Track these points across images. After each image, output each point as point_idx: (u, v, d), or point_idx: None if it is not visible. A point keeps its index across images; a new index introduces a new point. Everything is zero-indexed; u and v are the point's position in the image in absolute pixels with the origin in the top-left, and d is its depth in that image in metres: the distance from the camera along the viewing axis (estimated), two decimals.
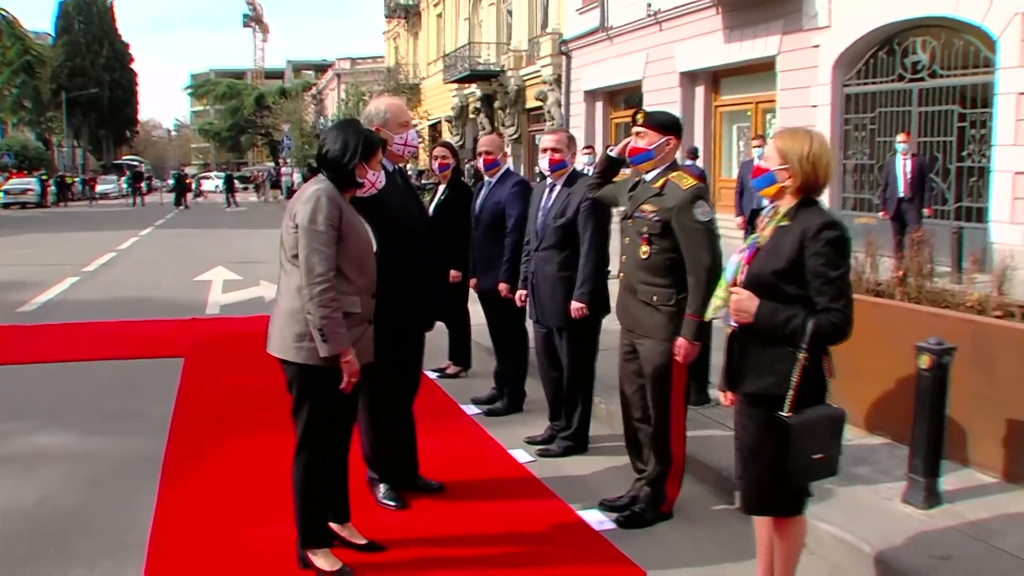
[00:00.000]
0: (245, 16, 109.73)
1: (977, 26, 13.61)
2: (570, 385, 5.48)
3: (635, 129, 4.33)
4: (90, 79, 67.66)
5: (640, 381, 4.48)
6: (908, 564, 3.83)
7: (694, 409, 5.43)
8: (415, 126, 40.36)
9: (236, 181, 50.29)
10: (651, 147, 4.28)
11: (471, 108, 36.30)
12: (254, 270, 15.01)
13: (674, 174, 4.29)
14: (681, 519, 4.59)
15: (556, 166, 5.37)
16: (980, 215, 13.80)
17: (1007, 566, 3.78)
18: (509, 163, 6.64)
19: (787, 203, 3.31)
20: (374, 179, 4.08)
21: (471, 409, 6.54)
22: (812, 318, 3.13)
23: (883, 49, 15.92)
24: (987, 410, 4.80)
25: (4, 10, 63.29)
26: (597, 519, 4.57)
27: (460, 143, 36.72)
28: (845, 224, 3.32)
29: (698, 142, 21.23)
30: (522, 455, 5.57)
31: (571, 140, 5.53)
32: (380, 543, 4.22)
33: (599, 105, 26.59)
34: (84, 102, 65.85)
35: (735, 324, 3.29)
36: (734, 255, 3.40)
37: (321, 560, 3.93)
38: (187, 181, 46.77)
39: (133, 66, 78.01)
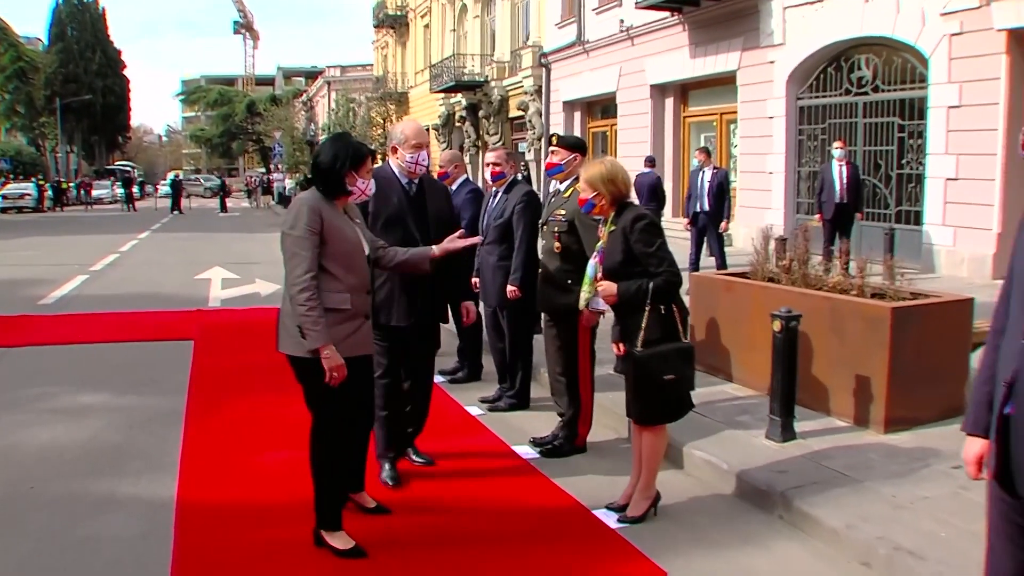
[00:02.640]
0: (235, 23, 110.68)
1: (912, 45, 14.69)
2: (511, 353, 6.80)
3: (551, 148, 5.68)
4: (83, 85, 68.21)
5: (558, 343, 5.80)
6: (755, 476, 5.11)
7: None
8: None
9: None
10: (562, 162, 5.69)
11: (457, 117, 37.30)
12: (250, 270, 16.20)
13: (579, 184, 5.58)
14: (593, 452, 5.88)
15: (496, 177, 6.71)
16: (917, 218, 14.92)
17: (826, 476, 5.05)
18: (467, 174, 7.90)
19: (609, 214, 4.64)
20: (364, 187, 4.44)
21: (439, 378, 7.80)
22: (651, 282, 4.46)
23: (832, 65, 17.05)
24: (840, 369, 6.09)
25: None
26: (527, 452, 5.85)
27: (448, 149, 37.89)
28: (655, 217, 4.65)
29: (668, 151, 22.54)
30: (475, 410, 6.88)
31: (509, 156, 6.88)
32: (386, 506, 4.81)
33: (577, 115, 27.75)
34: (77, 108, 66.39)
35: (606, 307, 4.61)
36: (592, 260, 4.77)
37: (335, 540, 4.31)
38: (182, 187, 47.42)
39: (125, 72, 78.70)
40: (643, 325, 4.45)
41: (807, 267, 6.81)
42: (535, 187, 22.54)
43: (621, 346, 4.80)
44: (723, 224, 13.55)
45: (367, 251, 4.48)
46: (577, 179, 5.62)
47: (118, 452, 5.92)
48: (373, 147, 9.48)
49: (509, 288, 6.40)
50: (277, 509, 4.82)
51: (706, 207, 13.59)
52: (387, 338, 5.17)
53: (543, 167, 17.64)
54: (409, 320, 5.20)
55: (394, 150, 5.24)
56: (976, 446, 2.69)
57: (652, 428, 4.72)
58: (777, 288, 6.72)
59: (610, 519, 4.74)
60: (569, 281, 5.50)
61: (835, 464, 5.25)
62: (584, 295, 4.85)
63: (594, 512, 4.83)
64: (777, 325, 5.56)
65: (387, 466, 5.30)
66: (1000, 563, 2.69)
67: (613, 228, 4.63)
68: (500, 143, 32.16)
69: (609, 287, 4.57)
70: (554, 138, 5.78)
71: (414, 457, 5.57)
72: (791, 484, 4.93)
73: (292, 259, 4.16)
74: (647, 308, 4.45)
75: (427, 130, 33.68)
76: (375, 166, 5.05)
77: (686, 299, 5.04)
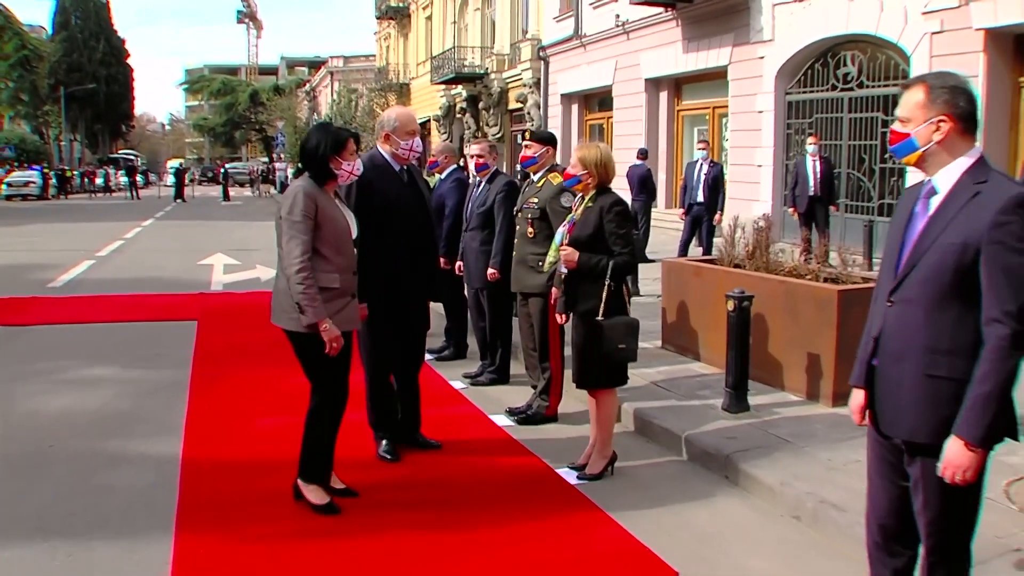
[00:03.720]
0: (239, 12, 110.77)
1: (895, 43, 15.17)
2: (491, 331, 7.33)
3: (524, 143, 6.22)
4: (87, 74, 68.74)
5: (531, 321, 6.35)
6: (705, 441, 5.63)
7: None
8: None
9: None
10: (535, 155, 6.24)
11: (458, 108, 37.68)
12: (251, 256, 16.73)
13: (552, 175, 6.14)
14: (563, 421, 6.41)
15: (480, 168, 7.24)
16: None
17: (771, 442, 5.57)
18: (456, 164, 8.40)
19: (590, 192, 5.16)
20: (350, 168, 4.72)
21: (427, 356, 8.32)
22: (612, 260, 4.99)
23: (819, 61, 17.48)
24: (794, 347, 6.60)
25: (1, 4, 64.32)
26: (504, 421, 6.38)
27: (448, 141, 38.30)
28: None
29: (662, 144, 23.00)
30: (458, 384, 7.42)
31: (492, 148, 7.40)
32: (353, 489, 4.97)
33: (575, 107, 28.18)
34: (81, 97, 66.92)
35: (566, 270, 5.12)
36: (561, 227, 5.27)
37: (312, 494, 4.71)
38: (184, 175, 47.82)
39: (128, 61, 79.14)
40: (603, 298, 4.98)
41: (769, 254, 7.33)
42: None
43: (563, 316, 5.38)
44: (717, 216, 14.05)
45: (355, 234, 4.83)
46: (551, 169, 6.15)
47: (128, 417, 6.48)
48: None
49: (489, 271, 6.92)
50: (270, 464, 5.35)
51: (701, 199, 14.14)
52: (382, 322, 5.38)
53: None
54: (408, 303, 5.53)
55: (387, 137, 5.41)
56: (858, 396, 3.18)
57: (604, 393, 5.26)
58: (739, 273, 7.23)
59: (571, 476, 5.27)
60: (540, 263, 5.99)
61: (781, 432, 5.77)
62: (550, 259, 5.36)
63: (557, 471, 5.36)
64: (731, 305, 6.07)
65: (384, 442, 5.60)
66: (877, 496, 3.20)
67: (591, 205, 5.14)
68: (499, 135, 32.63)
69: (572, 252, 5.07)
70: (527, 133, 6.32)
71: (429, 443, 5.80)
72: (737, 448, 5.46)
73: (290, 241, 4.51)
74: (606, 283, 4.97)
75: (429, 120, 34.21)
76: (366, 153, 5.49)
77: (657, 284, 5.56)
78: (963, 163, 2.86)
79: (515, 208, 6.50)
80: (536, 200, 6.15)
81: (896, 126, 2.97)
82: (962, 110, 2.84)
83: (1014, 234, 2.67)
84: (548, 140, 6.35)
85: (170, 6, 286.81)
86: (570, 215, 5.30)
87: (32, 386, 7.32)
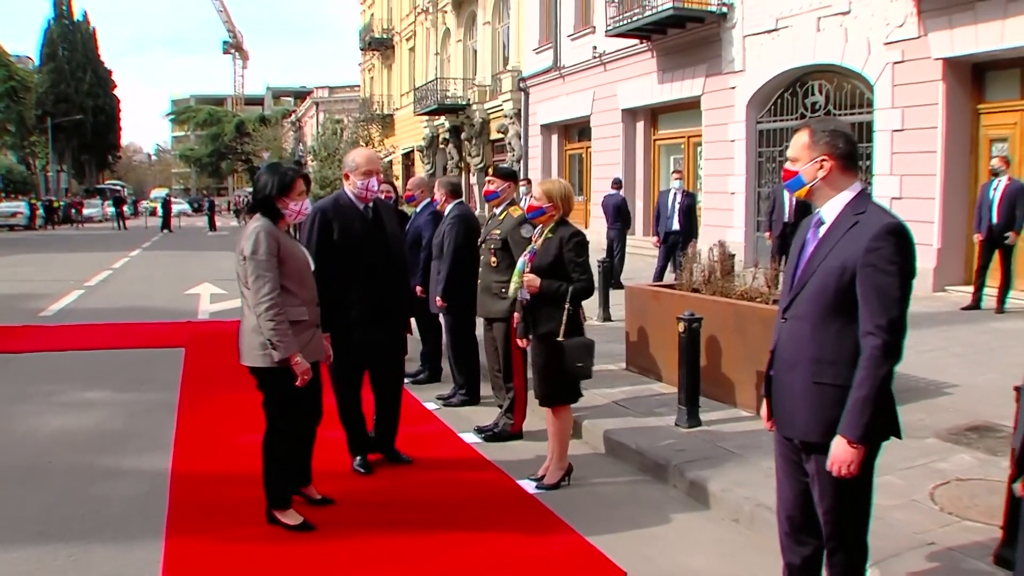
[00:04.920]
0: (225, 42, 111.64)
1: (859, 72, 15.73)
2: (453, 355, 7.81)
3: (488, 178, 6.72)
4: (74, 105, 69.06)
5: (495, 345, 6.83)
6: (656, 453, 6.09)
7: None
8: (390, 154, 41.66)
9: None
10: (498, 190, 6.74)
11: (440, 139, 38.21)
12: (236, 286, 16.80)
13: (512, 208, 6.63)
14: (528, 437, 6.85)
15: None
16: None
17: (718, 453, 6.03)
18: (430, 198, 8.84)
19: (550, 223, 5.62)
20: (297, 208, 4.93)
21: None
22: (571, 285, 5.47)
23: (788, 91, 18.08)
24: (744, 366, 7.07)
25: None
26: (472, 439, 6.83)
27: (431, 171, 38.68)
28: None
29: (639, 172, 23.55)
30: (432, 406, 7.87)
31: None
32: (330, 498, 5.38)
33: (554, 137, 28.77)
34: (68, 127, 67.26)
35: (529, 296, 5.58)
36: (523, 257, 5.74)
37: (285, 517, 4.97)
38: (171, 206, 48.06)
39: (115, 92, 79.53)
40: (563, 321, 5.46)
41: (725, 279, 7.80)
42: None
43: (524, 340, 5.86)
44: (691, 244, 14.49)
45: (312, 267, 5.08)
46: (511, 203, 6.64)
47: (121, 435, 6.93)
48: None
49: (438, 300, 7.43)
50: (252, 476, 5.66)
51: (676, 227, 14.67)
52: (357, 351, 5.79)
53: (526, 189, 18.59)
54: (382, 335, 5.87)
55: (347, 177, 5.81)
56: (766, 404, 3.66)
57: (560, 409, 5.72)
58: (694, 297, 7.72)
59: (530, 487, 5.73)
60: (503, 290, 6.45)
61: (728, 445, 6.24)
62: (514, 285, 5.82)
63: (518, 482, 5.82)
64: (681, 327, 6.55)
65: (359, 458, 6.03)
66: (784, 492, 3.67)
67: (550, 236, 5.61)
68: (482, 164, 33.12)
69: (534, 279, 5.53)
70: (490, 169, 6.85)
71: (401, 458, 6.22)
72: (685, 459, 5.92)
73: (257, 280, 4.70)
74: (566, 307, 5.45)
75: (413, 151, 34.32)
76: (336, 192, 5.94)
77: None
78: (846, 196, 3.34)
79: (479, 239, 6.97)
80: (499, 231, 6.64)
81: (788, 164, 3.45)
82: (841, 150, 3.33)
83: (884, 257, 3.14)
84: (509, 176, 6.86)
85: (158, 36, 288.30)
86: (530, 245, 5.76)
87: (29, 408, 7.75)
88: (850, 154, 3.37)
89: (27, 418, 7.41)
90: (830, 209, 3.38)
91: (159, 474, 5.90)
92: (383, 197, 8.62)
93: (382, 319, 5.83)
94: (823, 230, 3.37)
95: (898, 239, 3.15)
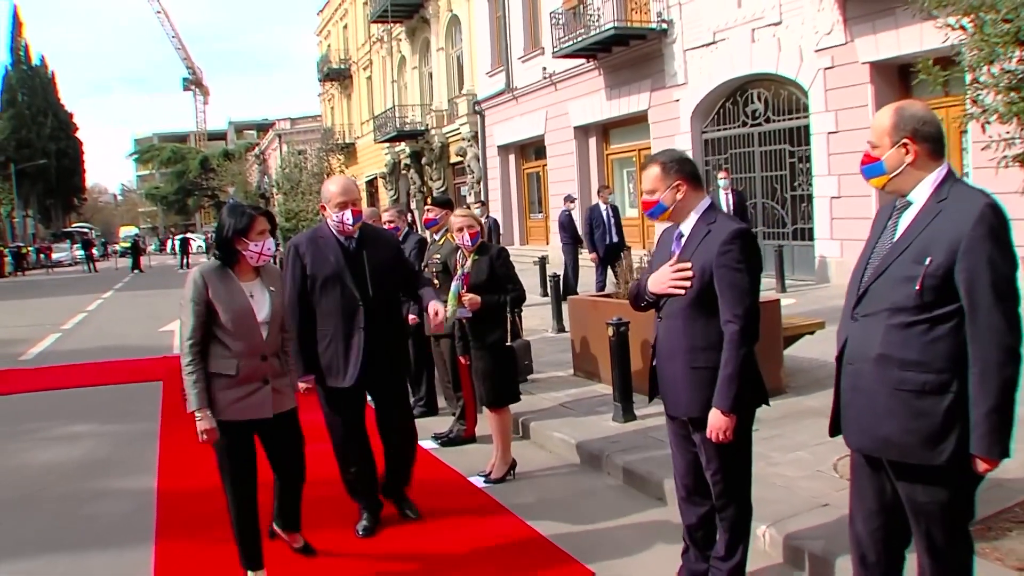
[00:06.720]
0: (184, 79, 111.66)
1: (794, 80, 16.60)
2: (416, 371, 8.41)
3: (426, 207, 7.44)
4: (36, 150, 68.62)
5: (444, 359, 7.57)
6: (592, 446, 6.78)
7: None
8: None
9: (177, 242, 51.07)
10: (436, 217, 7.48)
11: (402, 164, 38.78)
12: None
13: (449, 234, 7.30)
14: (480, 441, 7.49)
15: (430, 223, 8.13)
16: (810, 234, 16.69)
17: (649, 443, 6.71)
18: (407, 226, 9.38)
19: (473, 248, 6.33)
20: (258, 248, 4.48)
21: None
22: (507, 295, 6.18)
23: (729, 100, 18.92)
24: None
25: None
26: (430, 444, 7.47)
27: (395, 197, 39.29)
28: None
29: (594, 187, 24.20)
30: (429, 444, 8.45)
31: (400, 213, 8.59)
32: (312, 547, 5.16)
33: (512, 158, 29.58)
34: (32, 172, 66.95)
35: (471, 313, 6.23)
36: (455, 281, 6.35)
37: None
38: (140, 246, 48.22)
39: (78, 135, 79.45)
40: (507, 328, 6.18)
41: None
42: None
43: (465, 357, 6.54)
44: (624, 253, 15.17)
45: (262, 317, 4.55)
46: (447, 231, 7.35)
47: (107, 462, 7.56)
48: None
49: (410, 316, 8.06)
50: None
51: (615, 239, 15.36)
52: (338, 400, 5.40)
53: (481, 211, 19.12)
54: (356, 380, 5.30)
55: (323, 208, 5.40)
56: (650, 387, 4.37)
57: (502, 410, 6.41)
58: (628, 304, 8.40)
59: (479, 481, 6.42)
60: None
61: (658, 435, 6.87)
62: (450, 307, 6.42)
63: (468, 478, 6.51)
64: (611, 331, 7.26)
65: (365, 515, 5.56)
66: (678, 462, 4.35)
67: (478, 257, 6.29)
68: (443, 188, 33.73)
69: (475, 298, 6.16)
70: (428, 199, 7.54)
71: (408, 512, 5.76)
72: (618, 449, 6.61)
73: (181, 326, 4.44)
74: (508, 315, 6.16)
75: (376, 178, 34.39)
76: (314, 226, 5.99)
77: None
78: (697, 211, 4.04)
79: (423, 263, 7.65)
80: (439, 256, 7.35)
81: (646, 196, 4.14)
82: (689, 175, 4.04)
83: (734, 258, 3.84)
84: (446, 204, 7.60)
85: (117, 76, 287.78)
86: (460, 269, 6.44)
87: (18, 444, 8.35)
88: (697, 176, 4.08)
89: (17, 454, 8.00)
90: (687, 224, 4.07)
91: (145, 492, 6.53)
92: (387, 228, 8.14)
93: (370, 358, 5.32)
94: (683, 241, 4.07)
95: (743, 242, 3.85)
